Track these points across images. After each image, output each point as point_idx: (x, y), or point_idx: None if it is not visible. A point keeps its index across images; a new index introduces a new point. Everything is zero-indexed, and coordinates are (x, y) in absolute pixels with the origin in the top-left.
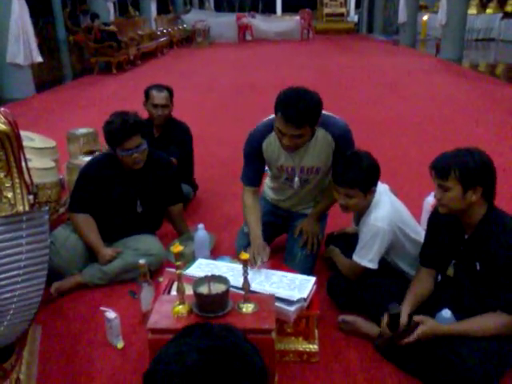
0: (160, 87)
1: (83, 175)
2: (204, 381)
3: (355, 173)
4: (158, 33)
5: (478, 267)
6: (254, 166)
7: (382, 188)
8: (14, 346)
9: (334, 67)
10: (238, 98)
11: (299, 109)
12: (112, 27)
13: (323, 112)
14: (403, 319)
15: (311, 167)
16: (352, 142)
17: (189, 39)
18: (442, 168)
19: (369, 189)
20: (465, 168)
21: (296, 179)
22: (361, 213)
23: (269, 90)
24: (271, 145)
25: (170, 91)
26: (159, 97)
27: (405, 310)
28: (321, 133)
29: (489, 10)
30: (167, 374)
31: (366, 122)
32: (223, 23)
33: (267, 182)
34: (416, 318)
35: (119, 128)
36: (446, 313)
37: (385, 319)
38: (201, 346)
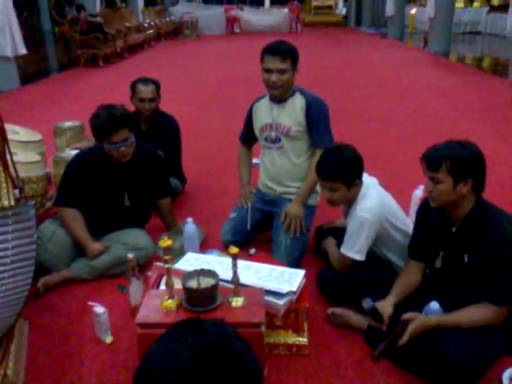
0: (146, 81)
1: (70, 169)
2: (197, 379)
3: (337, 165)
4: (146, 25)
5: (466, 259)
6: (246, 126)
7: (369, 181)
8: (0, 341)
9: (321, 60)
10: (226, 91)
11: (283, 45)
12: (98, 19)
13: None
14: (388, 309)
15: (283, 126)
16: (324, 109)
17: (176, 31)
18: (433, 160)
19: (352, 182)
20: (456, 160)
21: (273, 134)
22: (349, 206)
23: (257, 83)
24: (260, 106)
25: (157, 84)
26: (146, 91)
27: (389, 301)
28: (298, 96)
29: (476, 4)
30: (160, 372)
31: (353, 115)
32: (211, 15)
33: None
34: (405, 316)
35: (106, 121)
36: (434, 305)
37: (368, 318)
38: (192, 343)
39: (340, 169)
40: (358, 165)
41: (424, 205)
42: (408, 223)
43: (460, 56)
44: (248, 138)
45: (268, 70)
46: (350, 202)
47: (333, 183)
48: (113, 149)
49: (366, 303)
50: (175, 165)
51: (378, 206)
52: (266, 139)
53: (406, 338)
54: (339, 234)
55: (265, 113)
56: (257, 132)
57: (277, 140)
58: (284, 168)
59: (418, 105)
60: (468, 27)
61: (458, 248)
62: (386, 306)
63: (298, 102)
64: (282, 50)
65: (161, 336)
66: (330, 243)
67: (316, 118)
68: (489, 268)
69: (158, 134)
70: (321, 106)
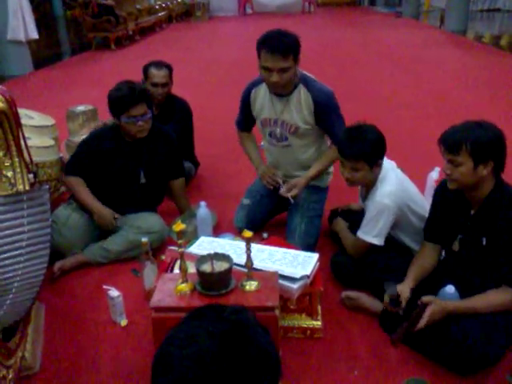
0: (159, 64)
1: (84, 143)
2: (216, 366)
3: (361, 145)
4: (157, 7)
5: (484, 242)
6: (244, 113)
7: (388, 164)
8: (17, 324)
9: (335, 41)
10: (238, 74)
11: (283, 39)
12: (109, 1)
13: (309, 75)
14: (406, 293)
15: (290, 124)
16: (334, 106)
17: (188, 13)
18: (453, 142)
19: (375, 162)
20: (477, 142)
21: (278, 130)
22: (367, 188)
23: None
24: (259, 95)
25: (170, 68)
26: (159, 75)
27: (407, 285)
28: (302, 90)
29: None
30: (180, 357)
31: (369, 96)
32: None
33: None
34: (424, 299)
35: (127, 94)
36: (450, 289)
37: (385, 299)
38: (213, 330)
39: (364, 148)
40: (381, 144)
41: (442, 187)
42: (425, 205)
43: (478, 34)
44: (247, 124)
45: (267, 69)
46: (369, 185)
47: (356, 163)
48: (131, 123)
49: (389, 286)
50: (188, 148)
51: (398, 192)
52: (270, 135)
53: (423, 322)
54: (354, 216)
55: (266, 105)
56: (258, 122)
57: (283, 139)
58: (291, 162)
59: (433, 86)
60: (486, 4)
61: (476, 231)
62: (404, 290)
63: (303, 98)
64: (282, 47)
65: (181, 321)
66: (340, 226)
67: (327, 116)
68: (507, 251)
69: (170, 117)
70: (328, 99)
